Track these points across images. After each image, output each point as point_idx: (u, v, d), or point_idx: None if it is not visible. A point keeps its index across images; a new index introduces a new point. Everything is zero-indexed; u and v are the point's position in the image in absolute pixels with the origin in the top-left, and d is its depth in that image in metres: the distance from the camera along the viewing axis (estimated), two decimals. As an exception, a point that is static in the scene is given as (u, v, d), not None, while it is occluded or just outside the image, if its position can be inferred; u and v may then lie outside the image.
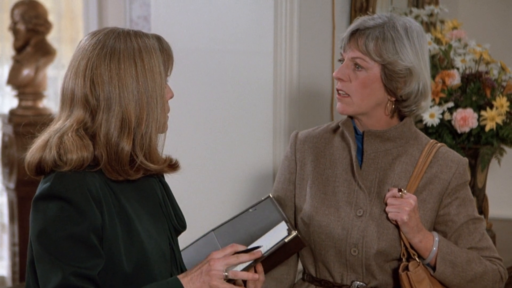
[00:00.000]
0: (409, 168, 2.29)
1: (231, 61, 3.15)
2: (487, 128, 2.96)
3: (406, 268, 2.23)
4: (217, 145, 3.20)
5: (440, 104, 2.99)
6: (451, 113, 2.98)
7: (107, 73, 1.88)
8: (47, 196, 1.84)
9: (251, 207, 2.30)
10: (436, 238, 2.23)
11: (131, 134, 1.89)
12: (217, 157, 3.20)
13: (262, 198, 2.32)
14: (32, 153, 1.90)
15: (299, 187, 2.37)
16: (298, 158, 2.38)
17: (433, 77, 3.00)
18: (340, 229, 2.26)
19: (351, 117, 2.32)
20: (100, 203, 1.86)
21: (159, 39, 1.96)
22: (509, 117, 3.02)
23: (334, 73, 2.27)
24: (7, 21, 5.56)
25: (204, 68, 3.20)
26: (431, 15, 3.40)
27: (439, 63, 3.09)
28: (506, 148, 3.14)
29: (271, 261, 2.12)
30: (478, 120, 2.97)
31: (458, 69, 3.06)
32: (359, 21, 2.26)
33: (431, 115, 2.95)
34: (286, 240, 2.09)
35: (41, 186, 1.87)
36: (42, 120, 1.98)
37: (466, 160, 2.32)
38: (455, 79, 3.00)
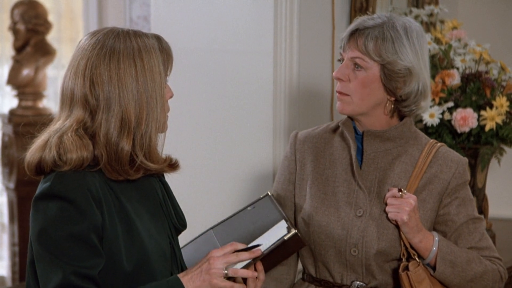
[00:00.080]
0: (409, 168, 2.29)
1: (231, 61, 3.15)
2: (487, 128, 2.96)
3: (406, 268, 2.23)
4: (217, 145, 3.20)
5: (440, 104, 2.99)
6: (451, 113, 2.98)
7: (106, 73, 1.89)
8: (47, 195, 1.84)
9: (249, 205, 2.30)
10: (436, 238, 2.23)
11: (130, 133, 1.90)
12: (217, 157, 3.20)
13: (261, 196, 2.32)
14: (32, 153, 1.90)
15: (299, 187, 2.37)
16: (298, 158, 2.38)
17: (433, 77, 3.00)
18: (340, 229, 2.26)
19: (350, 118, 2.32)
20: (100, 203, 1.86)
21: (158, 38, 1.96)
22: (509, 117, 3.02)
23: (333, 73, 2.27)
24: (7, 21, 5.56)
25: (204, 68, 3.20)
26: (431, 15, 3.40)
27: (439, 63, 3.09)
28: (506, 148, 3.14)
29: (271, 260, 2.12)
30: (478, 120, 2.97)
31: (458, 69, 3.06)
32: (359, 21, 2.26)
33: (431, 115, 2.95)
34: (285, 237, 2.09)
35: (41, 186, 1.87)
36: (42, 120, 1.98)
37: (466, 160, 2.32)
38: (455, 79, 3.00)
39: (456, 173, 2.29)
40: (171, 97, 1.98)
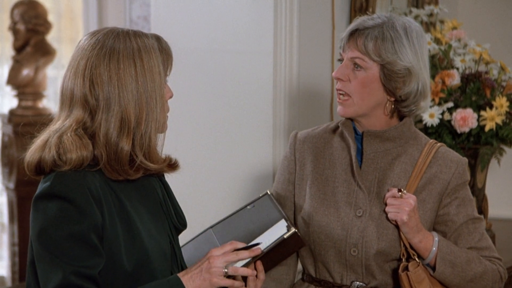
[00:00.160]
0: (409, 168, 2.29)
1: (231, 61, 3.15)
2: (486, 128, 2.96)
3: (406, 268, 2.23)
4: (217, 145, 3.21)
5: (439, 104, 3.00)
6: (451, 113, 2.98)
7: (106, 73, 1.89)
8: (47, 195, 1.84)
9: (249, 204, 2.30)
10: (436, 238, 2.23)
11: (130, 134, 1.90)
12: (217, 156, 3.21)
13: (260, 195, 2.32)
14: (32, 153, 1.91)
15: (298, 187, 2.37)
16: (298, 158, 2.38)
17: (433, 77, 3.00)
18: (339, 229, 2.26)
19: (351, 118, 2.32)
20: (100, 202, 1.87)
21: (158, 38, 1.96)
22: (508, 117, 3.02)
23: (333, 73, 2.27)
24: (7, 21, 5.56)
25: (204, 68, 3.20)
26: (430, 15, 3.40)
27: (439, 63, 3.09)
28: (505, 148, 3.14)
29: (271, 259, 2.12)
30: (477, 120, 2.97)
31: (457, 69, 3.06)
32: (359, 21, 2.26)
33: (431, 115, 2.95)
34: (285, 236, 2.09)
35: (41, 186, 1.88)
36: (42, 120, 1.98)
37: (465, 160, 2.32)
38: (454, 79, 3.00)
39: (456, 173, 2.29)
40: (170, 97, 1.99)
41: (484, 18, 4.01)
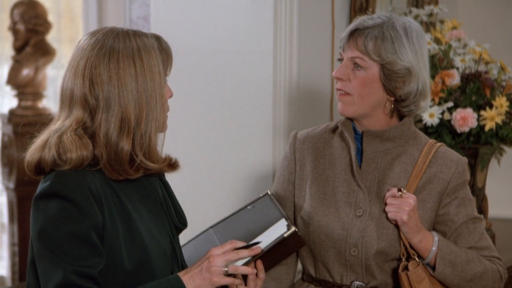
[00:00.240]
0: (409, 167, 2.29)
1: (231, 61, 3.15)
2: (486, 128, 2.96)
3: (406, 268, 2.23)
4: (217, 144, 3.21)
5: (439, 104, 3.00)
6: (451, 113, 2.98)
7: (106, 73, 1.89)
8: (48, 195, 1.84)
9: (249, 204, 2.31)
10: (436, 238, 2.23)
11: (130, 133, 1.90)
12: (217, 156, 3.21)
13: (260, 195, 2.32)
14: (32, 153, 1.91)
15: (298, 187, 2.36)
16: (298, 158, 2.38)
17: (433, 77, 3.00)
18: (339, 229, 2.26)
19: (350, 119, 2.32)
20: (100, 202, 1.87)
21: (158, 38, 1.96)
22: (508, 117, 3.02)
23: (333, 73, 2.27)
24: (6, 21, 5.56)
25: (204, 68, 3.20)
26: (430, 15, 3.40)
27: (439, 63, 3.09)
28: (505, 148, 3.14)
29: (271, 258, 2.12)
30: (477, 120, 2.97)
31: (457, 69, 3.06)
32: (359, 20, 2.26)
33: (431, 115, 2.95)
34: (285, 235, 2.09)
35: (41, 185, 1.88)
36: (42, 120, 1.98)
37: (465, 159, 2.32)
38: (454, 79, 3.01)
39: (455, 173, 2.29)
40: (170, 96, 1.99)
41: (484, 18, 4.01)
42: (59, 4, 5.99)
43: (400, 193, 2.21)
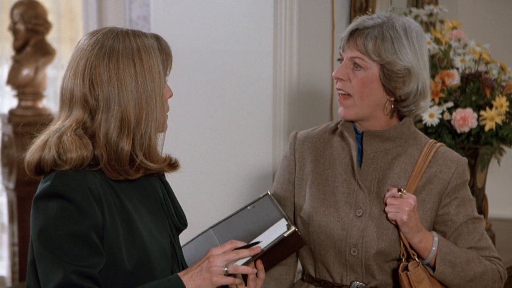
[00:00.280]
0: (409, 168, 2.29)
1: (231, 61, 3.15)
2: (486, 128, 2.96)
3: (406, 268, 2.23)
4: (217, 144, 3.21)
5: (439, 104, 3.00)
6: (451, 113, 2.98)
7: (106, 73, 1.89)
8: (48, 195, 1.84)
9: (249, 204, 2.31)
10: (436, 238, 2.23)
11: (130, 133, 1.90)
12: (217, 156, 3.21)
13: (261, 196, 2.32)
14: (31, 153, 1.91)
15: (298, 187, 2.36)
16: (298, 158, 2.38)
17: (433, 77, 3.00)
18: (339, 229, 2.26)
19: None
20: (100, 202, 1.87)
21: (157, 38, 1.96)
22: (508, 117, 3.02)
23: (333, 73, 2.27)
24: (6, 21, 5.56)
25: (204, 68, 3.21)
26: (430, 15, 3.40)
27: (439, 63, 3.09)
28: (505, 148, 3.14)
29: (271, 258, 2.12)
30: (477, 120, 2.97)
31: (457, 69, 3.06)
32: (358, 21, 2.26)
33: (431, 115, 2.95)
34: (285, 235, 2.09)
35: (42, 185, 1.88)
36: (42, 120, 1.98)
37: (465, 159, 2.32)
38: (454, 79, 3.01)
39: (455, 173, 2.29)
40: (170, 96, 1.99)
41: (484, 18, 4.01)
42: (59, 4, 5.99)
43: (400, 193, 2.21)
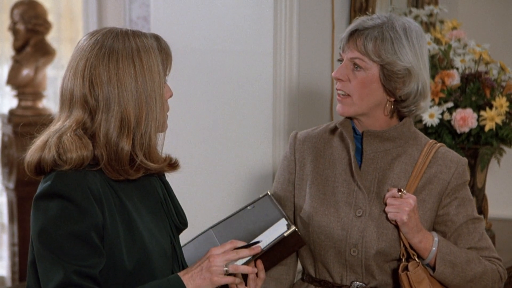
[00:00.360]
0: (409, 168, 2.29)
1: (231, 61, 3.15)
2: (486, 128, 2.96)
3: (406, 268, 2.23)
4: (216, 145, 3.21)
5: (439, 104, 3.00)
6: (451, 113, 2.98)
7: (105, 73, 1.89)
8: (48, 194, 1.84)
9: (249, 205, 2.31)
10: (436, 238, 2.23)
11: (130, 133, 1.90)
12: (217, 157, 3.21)
13: (260, 196, 2.32)
14: (31, 153, 1.91)
15: (298, 188, 2.37)
16: (298, 159, 2.38)
17: (433, 77, 3.00)
18: (339, 229, 2.26)
19: (350, 118, 2.32)
20: (101, 202, 1.87)
21: (157, 38, 1.96)
22: (508, 117, 3.02)
23: (333, 73, 2.27)
24: (6, 21, 5.56)
25: (203, 68, 3.21)
26: (430, 15, 3.40)
27: (439, 63, 3.09)
28: (505, 148, 3.14)
29: (271, 258, 2.12)
30: (477, 120, 2.97)
31: (457, 69, 3.06)
32: (358, 21, 2.26)
33: (431, 115, 2.95)
34: (285, 234, 2.10)
35: (42, 185, 1.88)
36: (42, 120, 1.98)
37: (465, 160, 2.32)
38: (454, 79, 3.01)
39: (455, 173, 2.29)
40: (170, 96, 1.99)
41: (484, 18, 4.01)
42: (59, 4, 5.99)
43: (400, 193, 2.21)
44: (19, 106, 5.39)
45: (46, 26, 5.40)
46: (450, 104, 2.97)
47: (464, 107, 2.99)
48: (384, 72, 2.22)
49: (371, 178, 2.29)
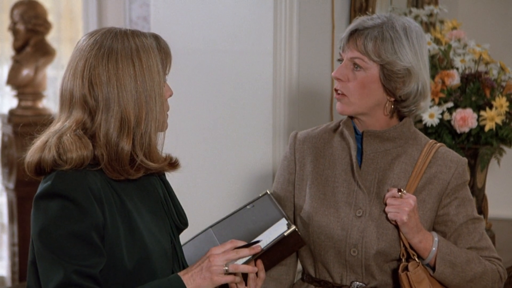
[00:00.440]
0: (408, 168, 2.29)
1: (231, 61, 3.15)
2: (486, 128, 2.96)
3: (406, 269, 2.23)
4: (216, 144, 3.21)
5: (439, 104, 3.00)
6: (451, 113, 2.98)
7: (105, 74, 1.89)
8: (48, 194, 1.85)
9: (248, 204, 2.31)
10: (436, 238, 2.23)
11: (130, 133, 1.90)
12: (217, 156, 3.21)
13: (260, 195, 2.32)
14: (31, 153, 1.91)
15: (298, 188, 2.36)
16: (298, 159, 2.38)
17: (433, 77, 3.00)
18: (339, 229, 2.26)
19: (351, 117, 2.32)
20: (101, 201, 1.87)
21: (156, 37, 1.96)
22: (508, 117, 3.02)
23: (332, 73, 2.27)
24: (6, 21, 5.56)
25: (203, 68, 3.21)
26: (430, 15, 3.40)
27: (439, 63, 3.09)
28: (505, 148, 3.14)
29: (271, 258, 2.13)
30: (477, 120, 2.97)
31: (457, 69, 3.06)
32: (358, 21, 2.26)
33: (431, 115, 2.95)
34: (285, 234, 2.10)
35: (42, 185, 1.88)
36: (42, 120, 1.98)
37: (465, 160, 2.32)
38: (454, 79, 3.01)
39: (455, 173, 2.29)
40: (170, 95, 1.99)
41: (484, 18, 4.01)
42: (59, 4, 5.99)
43: (400, 193, 2.21)
44: (19, 106, 5.39)
45: (46, 26, 5.40)
46: (450, 104, 2.97)
47: (464, 107, 2.99)
48: (384, 72, 2.22)
49: (371, 178, 2.29)
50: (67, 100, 1.91)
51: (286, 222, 2.14)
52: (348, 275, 2.28)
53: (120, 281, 1.89)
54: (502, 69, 3.11)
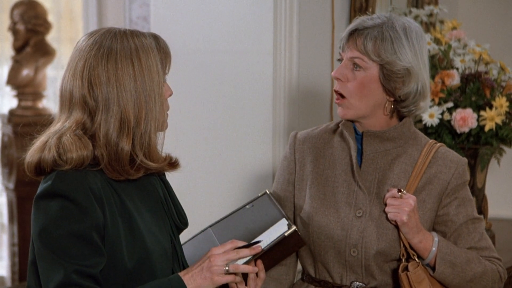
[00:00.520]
0: (408, 168, 2.29)
1: (231, 61, 3.15)
2: (486, 128, 2.96)
3: (406, 269, 2.23)
4: (216, 145, 3.21)
5: (439, 104, 3.00)
6: (451, 113, 2.98)
7: (104, 74, 1.89)
8: (49, 194, 1.85)
9: (248, 203, 2.31)
10: (436, 238, 2.23)
11: (130, 133, 1.90)
12: (217, 157, 3.21)
13: (259, 194, 2.32)
14: (31, 154, 1.91)
15: (298, 188, 2.36)
16: (298, 159, 2.38)
17: (433, 77, 3.00)
18: (339, 229, 2.26)
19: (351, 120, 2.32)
20: (101, 201, 1.87)
21: (156, 37, 1.96)
22: (508, 117, 3.02)
23: (332, 73, 2.27)
24: (6, 21, 5.56)
25: (203, 68, 3.21)
26: (430, 15, 3.40)
27: (439, 63, 3.09)
28: (505, 148, 3.14)
29: (271, 258, 2.13)
30: (477, 120, 2.97)
31: (457, 69, 3.06)
32: (358, 21, 2.26)
33: (431, 115, 2.95)
34: (286, 234, 2.10)
35: (42, 185, 1.88)
36: (42, 120, 1.98)
37: (465, 160, 2.32)
38: (454, 79, 3.01)
39: (455, 174, 2.29)
40: (170, 95, 1.99)
41: (484, 18, 4.01)
42: (59, 4, 5.99)
43: (400, 193, 2.21)
44: (19, 106, 5.39)
45: (46, 26, 5.40)
46: (450, 104, 2.97)
47: (464, 107, 2.99)
48: (383, 72, 2.22)
49: (371, 178, 2.29)
50: (67, 101, 1.91)
51: (287, 222, 2.15)
52: (348, 275, 2.28)
53: (120, 281, 1.89)
54: (502, 69, 3.11)
